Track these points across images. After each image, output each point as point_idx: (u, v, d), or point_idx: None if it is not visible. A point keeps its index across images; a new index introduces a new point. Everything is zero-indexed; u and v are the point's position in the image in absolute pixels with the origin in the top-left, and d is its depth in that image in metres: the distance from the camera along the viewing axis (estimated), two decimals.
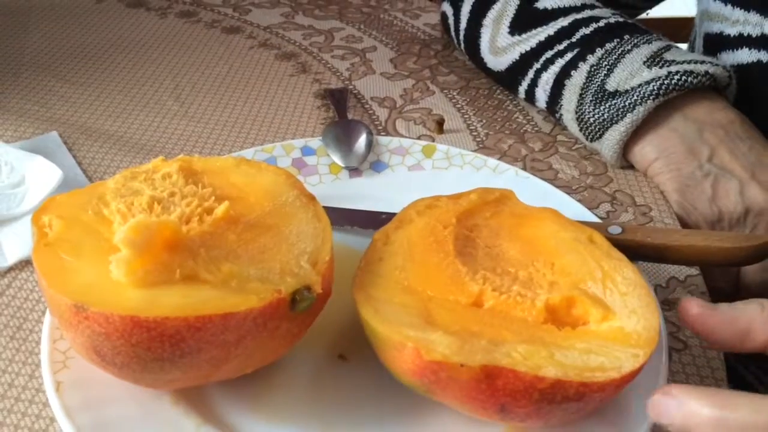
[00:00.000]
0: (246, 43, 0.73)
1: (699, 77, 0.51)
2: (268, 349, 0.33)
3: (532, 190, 0.48)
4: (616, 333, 0.33)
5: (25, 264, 0.44)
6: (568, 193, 0.52)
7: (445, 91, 0.66)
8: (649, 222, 0.50)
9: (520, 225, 0.41)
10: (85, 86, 0.63)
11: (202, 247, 0.33)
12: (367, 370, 0.37)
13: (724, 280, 0.50)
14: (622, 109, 0.52)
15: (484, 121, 0.61)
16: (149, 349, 0.29)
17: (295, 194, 0.38)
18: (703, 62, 0.52)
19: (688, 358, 0.41)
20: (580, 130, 0.56)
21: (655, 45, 0.54)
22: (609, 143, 0.54)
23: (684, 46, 0.66)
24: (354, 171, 0.51)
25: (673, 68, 0.52)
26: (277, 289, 0.32)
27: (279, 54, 0.71)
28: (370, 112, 0.62)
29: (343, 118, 0.57)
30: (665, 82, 0.51)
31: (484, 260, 0.38)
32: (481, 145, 0.58)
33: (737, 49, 0.56)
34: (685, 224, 0.51)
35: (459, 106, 0.63)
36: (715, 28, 0.57)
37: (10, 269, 0.44)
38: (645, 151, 0.53)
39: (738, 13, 0.55)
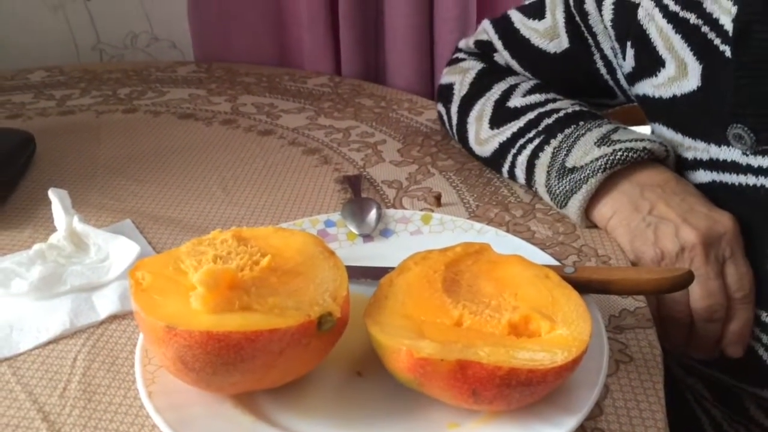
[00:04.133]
0: (278, 143, 0.87)
1: (638, 152, 0.64)
2: (302, 361, 0.45)
3: (508, 245, 0.60)
4: (558, 339, 0.44)
5: (113, 318, 0.57)
6: (542, 249, 0.64)
7: (444, 173, 0.79)
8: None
9: (494, 269, 0.53)
10: (149, 183, 0.78)
11: (253, 287, 0.45)
12: (378, 383, 0.48)
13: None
14: (579, 182, 0.65)
15: (475, 195, 0.74)
16: (219, 356, 0.41)
17: (319, 250, 0.51)
18: (642, 140, 0.65)
19: (632, 367, 0.51)
20: (551, 200, 0.69)
21: (605, 128, 0.67)
22: (573, 209, 0.66)
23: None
24: (367, 237, 0.63)
25: (618, 146, 0.64)
26: (308, 314, 0.44)
27: (305, 149, 0.86)
28: (381, 192, 0.75)
29: (358, 197, 0.70)
30: (611, 157, 0.64)
31: (465, 294, 0.50)
32: (472, 214, 0.71)
33: (694, 171, 0.65)
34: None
35: (455, 184, 0.77)
36: (675, 151, 0.68)
37: (102, 322, 0.56)
38: (602, 211, 0.66)
39: (688, 141, 0.65)
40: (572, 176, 0.66)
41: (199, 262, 0.48)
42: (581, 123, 0.69)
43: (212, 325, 0.41)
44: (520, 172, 0.72)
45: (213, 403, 0.46)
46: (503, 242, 0.61)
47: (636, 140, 0.65)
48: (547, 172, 0.68)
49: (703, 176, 0.65)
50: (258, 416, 0.45)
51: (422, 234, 0.64)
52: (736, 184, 0.61)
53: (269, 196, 0.75)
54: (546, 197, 0.70)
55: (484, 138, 0.76)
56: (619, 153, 0.64)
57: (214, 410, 0.45)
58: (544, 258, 0.58)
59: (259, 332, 0.42)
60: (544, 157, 0.69)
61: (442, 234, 0.63)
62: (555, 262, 0.58)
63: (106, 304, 0.57)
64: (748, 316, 0.61)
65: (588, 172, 0.65)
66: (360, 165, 0.81)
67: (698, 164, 0.65)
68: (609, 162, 0.64)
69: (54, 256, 0.62)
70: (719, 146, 0.62)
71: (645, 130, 0.74)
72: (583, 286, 0.52)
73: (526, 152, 0.71)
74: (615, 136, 0.66)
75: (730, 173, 0.62)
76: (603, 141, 0.66)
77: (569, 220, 0.69)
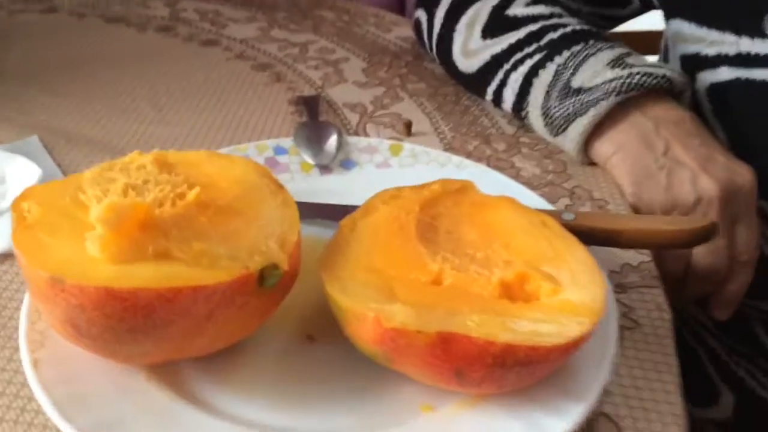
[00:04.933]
0: (222, 55, 0.75)
1: (657, 78, 0.54)
2: (238, 325, 0.35)
3: (493, 183, 0.50)
4: (565, 305, 0.35)
5: (4, 258, 0.46)
6: (530, 189, 0.55)
7: (414, 97, 0.68)
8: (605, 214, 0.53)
9: (479, 212, 0.43)
10: (65, 95, 0.65)
11: (174, 228, 0.35)
12: (334, 350, 0.38)
13: (676, 265, 0.53)
14: (586, 104, 0.55)
15: (451, 124, 0.64)
16: (122, 320, 0.31)
17: (264, 182, 0.40)
18: (661, 67, 0.56)
19: (639, 335, 0.43)
20: (545, 125, 0.59)
21: (618, 50, 0.57)
22: (572, 136, 0.57)
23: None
24: (324, 168, 0.53)
25: (635, 69, 0.55)
26: (245, 265, 0.34)
27: (254, 65, 0.73)
28: (342, 116, 0.64)
29: (315, 120, 0.59)
30: (627, 80, 0.54)
31: (445, 244, 0.40)
32: (447, 147, 0.60)
33: (716, 68, 0.58)
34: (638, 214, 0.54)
35: (427, 111, 0.66)
36: (691, 49, 0.60)
37: None
38: (605, 146, 0.56)
39: (714, 35, 0.58)
40: (578, 97, 0.56)
41: (104, 193, 0.37)
42: (591, 41, 0.58)
43: (112, 278, 0.31)
44: (510, 93, 0.62)
45: (118, 374, 0.35)
46: (486, 179, 0.51)
47: (654, 66, 0.55)
48: (547, 92, 0.58)
49: (725, 74, 0.57)
50: (178, 392, 0.35)
51: (390, 167, 0.53)
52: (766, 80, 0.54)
53: (209, 116, 0.63)
54: (538, 123, 0.60)
55: (473, 49, 0.65)
56: (636, 77, 0.54)
57: (119, 384, 0.35)
58: (534, 200, 0.49)
59: (178, 290, 0.31)
60: (545, 75, 0.59)
61: (414, 168, 0.53)
62: (548, 206, 0.48)
63: None
64: (746, 279, 0.54)
65: (598, 94, 0.55)
66: (318, 85, 0.70)
67: (722, 61, 0.57)
68: (624, 85, 0.54)
69: None
70: (752, 38, 0.55)
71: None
72: (585, 237, 0.43)
73: (523, 69, 0.60)
74: (630, 60, 0.56)
75: (761, 68, 0.55)
76: (617, 62, 0.56)
77: (559, 157, 0.59)
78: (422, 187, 0.44)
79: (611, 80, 0.55)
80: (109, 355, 0.34)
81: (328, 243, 0.40)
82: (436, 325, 0.32)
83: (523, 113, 0.61)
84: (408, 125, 0.62)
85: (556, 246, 0.39)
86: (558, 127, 0.57)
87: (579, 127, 0.56)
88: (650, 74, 0.54)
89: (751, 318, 0.62)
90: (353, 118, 0.64)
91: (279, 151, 0.54)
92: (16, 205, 0.36)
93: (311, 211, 0.48)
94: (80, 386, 0.34)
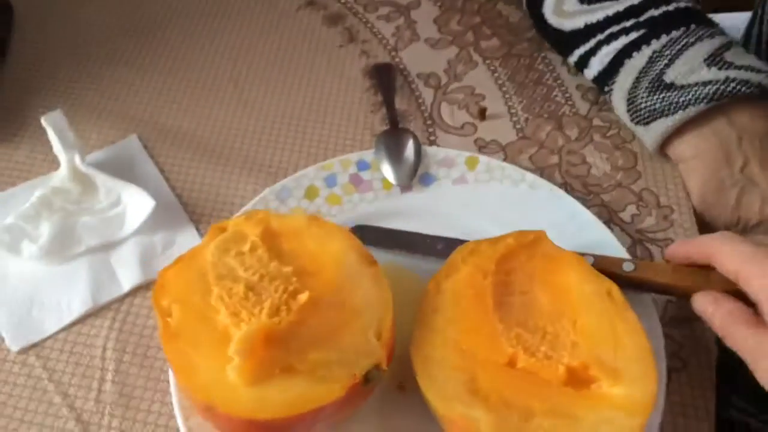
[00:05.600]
0: (292, 3, 0.74)
1: (752, 88, 0.54)
2: (346, 412, 0.43)
3: (563, 208, 0.54)
4: (620, 399, 0.41)
5: (137, 290, 0.53)
6: (598, 193, 0.58)
7: (488, 62, 0.68)
8: (669, 227, 0.56)
9: (550, 271, 0.48)
10: (145, 70, 0.68)
11: (292, 339, 0.41)
12: (419, 401, 0.45)
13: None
14: (674, 105, 0.56)
15: (524, 101, 0.65)
16: None
17: (358, 261, 0.46)
18: (759, 71, 0.55)
19: (684, 377, 0.49)
20: (628, 110, 0.59)
21: (717, 41, 0.56)
22: (653, 133, 0.58)
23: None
24: (405, 187, 0.57)
25: (731, 73, 0.54)
26: (353, 374, 0.41)
27: (325, 15, 0.73)
28: (417, 93, 0.66)
29: (394, 127, 0.61)
30: (721, 87, 0.54)
31: (519, 311, 0.46)
32: (521, 134, 0.63)
33: None
34: (702, 222, 0.57)
35: (501, 82, 0.67)
36: None
37: (126, 295, 0.53)
38: (683, 147, 0.58)
39: None
40: (668, 94, 0.56)
41: (229, 295, 0.43)
42: (692, 26, 0.57)
43: (254, 409, 0.38)
44: (598, 64, 0.62)
45: None
46: (557, 203, 0.55)
47: (751, 69, 0.54)
48: (637, 77, 0.58)
49: None
50: None
51: (467, 183, 0.57)
52: None
53: (288, 100, 0.66)
54: (620, 105, 0.60)
55: (567, 11, 0.63)
56: (732, 84, 0.54)
57: None
58: (603, 235, 0.53)
59: (303, 415, 0.39)
60: (639, 59, 0.58)
61: (489, 184, 0.57)
62: (618, 246, 0.52)
63: (127, 272, 0.53)
64: None
65: (690, 97, 0.55)
66: (391, 45, 0.70)
67: None
68: (717, 93, 0.54)
69: (61, 202, 0.56)
70: None
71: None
72: (643, 286, 0.48)
73: (616, 44, 0.60)
74: (728, 56, 0.55)
75: None
76: (714, 59, 0.55)
77: (630, 148, 0.61)
78: (498, 241, 0.49)
79: (706, 83, 0.54)
80: None
81: (418, 310, 0.46)
82: None
83: (606, 89, 0.61)
84: (482, 111, 0.63)
85: (617, 329, 0.44)
86: (641, 118, 0.58)
87: (662, 126, 0.57)
88: (746, 82, 0.54)
89: None
90: (428, 95, 0.66)
91: (362, 166, 0.57)
92: (157, 301, 0.43)
93: (400, 242, 0.53)
94: None
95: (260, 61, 0.69)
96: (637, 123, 0.59)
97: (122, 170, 0.59)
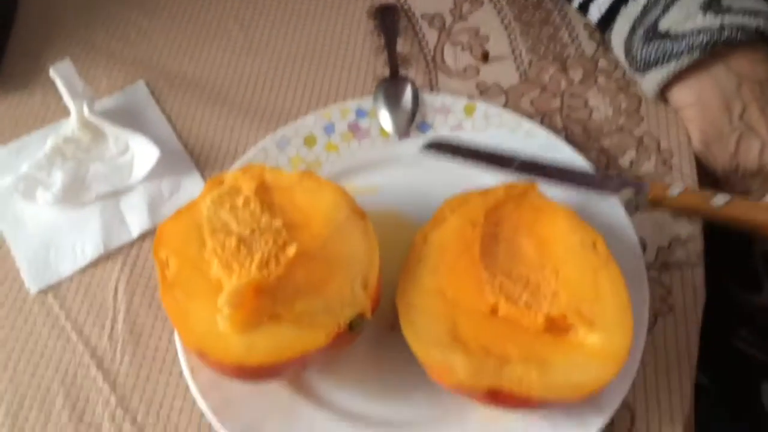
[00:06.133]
0: None
1: (749, 33, 0.52)
2: (334, 357, 0.46)
3: (558, 153, 0.55)
4: (595, 347, 0.43)
5: (145, 235, 0.56)
6: (598, 138, 0.58)
7: (494, 0, 0.67)
8: (668, 172, 0.56)
9: (537, 221, 0.49)
10: (153, 14, 0.68)
11: (280, 289, 0.44)
12: None
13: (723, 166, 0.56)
14: (669, 55, 0.55)
15: (530, 42, 0.64)
16: (251, 377, 0.42)
17: (348, 214, 0.47)
18: (757, 14, 0.53)
19: (670, 321, 0.50)
20: (626, 58, 0.59)
21: None
22: (650, 82, 0.57)
23: None
24: (402, 134, 0.57)
25: (727, 19, 0.53)
26: (338, 322, 0.43)
27: None
28: (420, 35, 0.65)
29: (394, 76, 0.61)
30: (716, 36, 0.53)
31: (504, 260, 0.47)
32: (523, 77, 0.62)
33: None
34: (703, 169, 0.57)
35: (507, 21, 0.66)
36: None
37: (136, 240, 0.56)
38: (683, 93, 0.57)
39: None
40: (662, 44, 0.55)
41: (222, 248, 0.45)
42: None
43: (242, 355, 0.41)
44: (596, 11, 0.61)
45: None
46: (553, 151, 0.55)
47: (748, 14, 0.53)
48: (632, 26, 0.57)
49: None
50: (294, 387, 0.48)
51: (464, 130, 0.57)
52: None
53: (292, 42, 0.66)
54: (619, 52, 0.59)
55: None
56: (727, 32, 0.52)
57: (254, 386, 0.47)
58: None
59: (289, 360, 0.41)
60: (633, 7, 0.57)
61: (486, 132, 0.57)
62: (614, 201, 0.52)
63: (136, 218, 0.56)
64: None
65: (684, 46, 0.54)
66: None
67: None
68: (712, 41, 0.53)
69: (72, 150, 0.59)
70: None
71: None
72: (730, 223, 0.48)
73: None
74: (725, 0, 0.54)
75: None
76: (710, 4, 0.54)
77: (634, 91, 0.60)
78: (488, 192, 0.50)
79: (700, 31, 0.53)
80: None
81: (405, 259, 0.48)
82: (488, 381, 0.41)
83: (606, 36, 0.61)
84: (485, 55, 0.63)
85: (599, 280, 0.45)
86: (638, 67, 0.57)
87: (658, 76, 0.56)
88: (742, 27, 0.52)
89: None
90: (431, 37, 0.65)
91: (360, 114, 0.58)
92: (156, 252, 0.46)
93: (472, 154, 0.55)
94: (226, 390, 0.47)
95: (265, 4, 0.69)
96: (635, 71, 0.58)
97: (130, 117, 0.61)
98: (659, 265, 0.52)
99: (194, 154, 0.60)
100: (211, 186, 0.49)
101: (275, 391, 0.47)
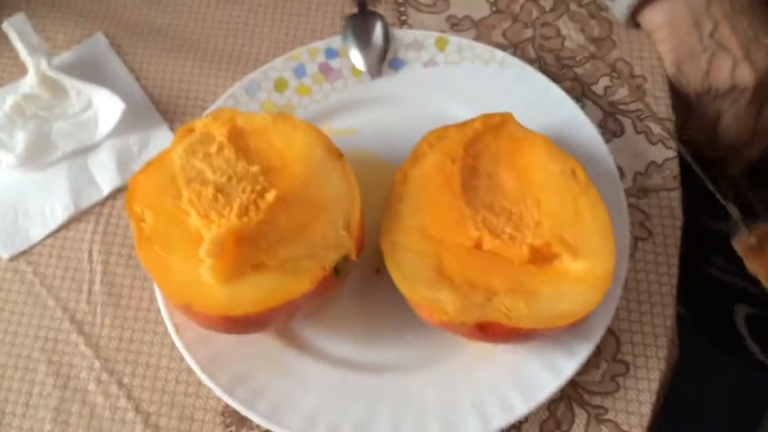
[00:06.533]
0: None
1: None
2: (320, 300, 0.45)
3: (533, 85, 0.54)
4: (580, 273, 0.43)
5: (117, 192, 0.54)
6: (572, 66, 0.57)
7: None
8: (642, 96, 0.56)
9: (516, 151, 0.48)
10: None
11: (262, 237, 0.43)
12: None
13: (702, 130, 0.57)
14: None
15: None
16: (238, 329, 0.42)
17: (325, 156, 0.46)
18: None
19: (649, 245, 0.51)
20: None
21: None
22: (620, 6, 0.57)
23: None
24: (375, 72, 0.56)
25: None
26: (323, 266, 0.42)
27: None
28: None
29: (362, 8, 0.59)
30: None
31: (485, 194, 0.47)
32: (494, 8, 0.61)
33: None
34: (677, 92, 0.57)
35: None
36: None
37: (107, 198, 0.54)
38: (653, 15, 0.56)
39: None
40: None
41: (198, 198, 0.44)
42: None
43: (227, 305, 0.41)
44: None
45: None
46: (528, 80, 0.54)
47: None
48: None
49: None
50: (282, 338, 0.47)
51: (437, 65, 0.56)
52: None
53: None
54: None
55: None
56: None
57: (241, 338, 0.47)
58: (573, 111, 0.52)
59: (275, 308, 0.41)
60: None
61: (459, 65, 0.56)
62: (585, 122, 0.52)
63: (105, 176, 0.55)
64: (761, 147, 0.59)
65: None
66: None
67: None
68: None
69: (33, 108, 0.56)
70: None
71: None
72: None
73: None
74: None
75: None
76: None
77: (606, 15, 0.59)
78: (465, 125, 0.49)
79: None
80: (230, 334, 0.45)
81: (387, 200, 0.47)
82: (476, 315, 0.42)
83: None
84: None
85: (580, 207, 0.45)
86: None
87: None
88: None
89: None
90: None
91: (330, 54, 0.56)
92: (130, 207, 0.45)
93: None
94: (213, 344, 0.46)
95: None
96: None
97: (91, 71, 0.59)
98: (636, 190, 0.52)
99: (161, 107, 0.58)
100: (182, 135, 0.48)
101: (263, 341, 0.47)
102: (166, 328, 0.47)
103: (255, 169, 0.45)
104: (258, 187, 0.44)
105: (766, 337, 0.69)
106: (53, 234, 0.53)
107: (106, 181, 0.54)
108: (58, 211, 0.53)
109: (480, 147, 0.49)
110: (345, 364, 0.47)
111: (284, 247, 0.43)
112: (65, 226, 0.53)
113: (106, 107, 0.56)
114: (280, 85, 0.55)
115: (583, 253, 0.44)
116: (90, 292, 0.51)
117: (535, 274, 0.44)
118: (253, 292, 0.41)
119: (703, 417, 0.78)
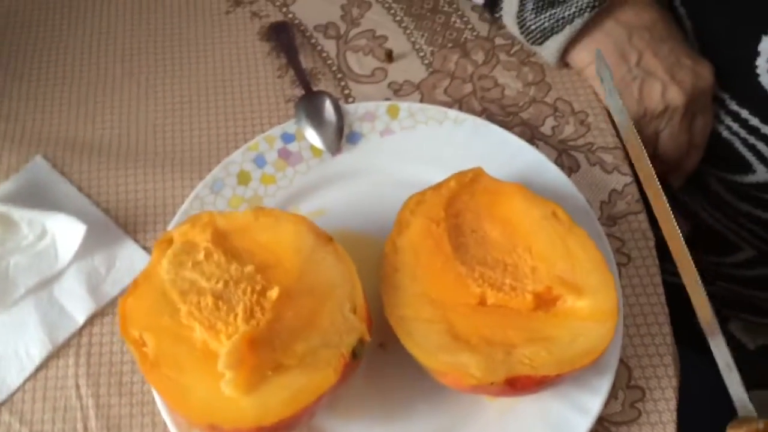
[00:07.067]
0: None
1: None
2: (343, 390, 0.44)
3: (490, 137, 0.56)
4: (587, 311, 0.44)
5: (92, 319, 0.52)
6: (516, 112, 0.60)
7: (383, 2, 0.67)
8: (587, 131, 0.59)
9: (494, 203, 0.50)
10: (34, 80, 0.63)
11: (274, 336, 0.42)
12: (404, 356, 0.45)
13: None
14: (561, 20, 0.58)
15: (426, 34, 0.65)
16: None
17: (315, 241, 0.46)
18: None
19: (632, 270, 0.53)
20: (521, 33, 0.61)
21: None
22: (549, 50, 0.60)
23: None
24: (335, 149, 0.56)
25: None
26: (341, 353, 0.42)
27: None
28: (319, 48, 0.64)
29: (308, 91, 0.60)
30: None
31: (476, 249, 0.48)
32: (431, 69, 0.63)
33: None
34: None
35: (399, 18, 0.66)
36: None
37: (83, 327, 0.51)
38: (581, 55, 0.60)
39: None
40: (553, 11, 0.58)
41: (199, 309, 0.43)
42: None
43: (259, 416, 0.39)
44: None
45: None
46: (483, 133, 0.56)
47: None
48: (521, 1, 0.59)
49: None
50: None
51: (394, 133, 0.57)
52: None
53: (190, 81, 0.63)
54: (514, 29, 0.61)
55: None
56: None
57: None
58: (532, 154, 0.55)
59: (306, 407, 0.40)
60: None
61: (415, 129, 0.57)
62: (545, 162, 0.54)
63: (76, 304, 0.52)
64: (698, 158, 0.63)
65: (574, 9, 0.57)
66: (281, 1, 0.68)
67: None
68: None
69: None
70: None
71: None
72: None
73: None
74: None
75: None
76: None
77: (535, 60, 0.63)
78: (440, 186, 0.50)
79: None
80: None
81: (381, 272, 0.47)
82: (503, 372, 0.42)
83: (497, 15, 0.62)
84: (389, 54, 0.63)
85: (569, 245, 0.47)
86: (535, 39, 0.60)
87: (555, 44, 0.59)
88: None
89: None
90: (330, 47, 0.64)
91: (287, 138, 0.56)
92: (128, 335, 0.42)
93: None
94: None
95: (149, 44, 0.65)
96: (533, 44, 0.60)
97: (38, 197, 0.56)
98: (606, 219, 0.55)
99: (120, 221, 0.56)
100: (161, 248, 0.46)
101: None
102: None
103: (249, 268, 0.44)
104: (258, 287, 0.43)
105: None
106: (32, 376, 0.50)
107: (78, 309, 0.51)
108: (34, 350, 0.50)
109: (459, 205, 0.50)
110: None
111: (299, 342, 0.42)
112: (44, 365, 0.50)
113: (64, 232, 0.53)
114: (244, 178, 0.55)
115: (584, 290, 0.45)
116: (86, 428, 0.48)
117: (544, 319, 0.45)
118: (282, 395, 0.40)
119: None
